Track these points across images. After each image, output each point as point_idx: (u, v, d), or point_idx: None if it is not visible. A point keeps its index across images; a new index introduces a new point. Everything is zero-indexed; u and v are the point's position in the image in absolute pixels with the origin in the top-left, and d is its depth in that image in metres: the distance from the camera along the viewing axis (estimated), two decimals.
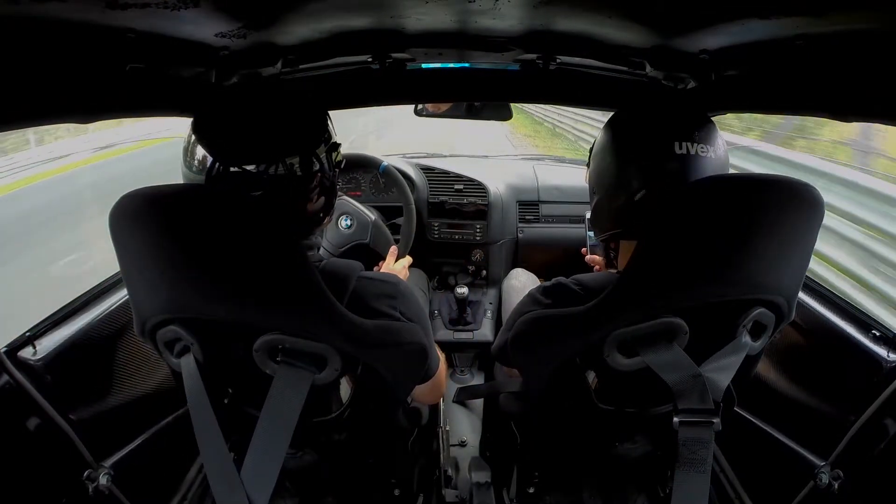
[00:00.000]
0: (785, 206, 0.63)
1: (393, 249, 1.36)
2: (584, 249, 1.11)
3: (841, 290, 2.99)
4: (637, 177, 0.72)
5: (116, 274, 1.06)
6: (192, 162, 0.68)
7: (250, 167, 0.66)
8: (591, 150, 0.82)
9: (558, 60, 0.92)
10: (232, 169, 0.66)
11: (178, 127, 0.79)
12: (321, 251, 1.42)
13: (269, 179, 0.67)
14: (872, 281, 3.02)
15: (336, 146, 0.76)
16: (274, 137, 0.68)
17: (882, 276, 2.99)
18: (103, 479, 0.91)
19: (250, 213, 0.60)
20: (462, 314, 1.65)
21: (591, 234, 1.02)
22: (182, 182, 0.71)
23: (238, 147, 0.67)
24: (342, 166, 0.79)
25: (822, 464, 0.93)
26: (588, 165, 0.83)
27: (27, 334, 0.88)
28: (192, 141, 0.68)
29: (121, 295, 1.05)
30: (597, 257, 1.06)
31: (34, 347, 0.86)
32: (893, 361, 0.85)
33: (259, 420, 0.63)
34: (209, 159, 0.66)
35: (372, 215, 1.54)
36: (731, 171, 0.74)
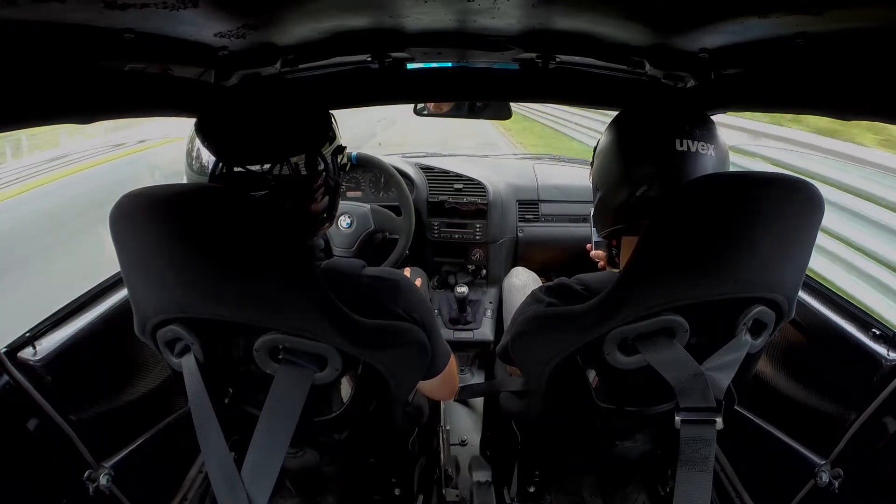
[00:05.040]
0: (784, 203, 0.63)
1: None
2: (588, 245, 1.12)
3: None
4: (638, 173, 0.73)
5: (116, 274, 1.06)
6: (195, 163, 0.68)
7: (254, 167, 0.66)
8: (595, 149, 0.83)
9: (557, 59, 0.92)
10: (236, 169, 0.66)
11: None
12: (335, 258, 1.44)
13: (274, 179, 0.67)
14: None
15: (342, 149, 0.76)
16: (279, 137, 0.68)
17: None
18: (104, 480, 0.91)
19: (251, 212, 0.60)
20: (462, 313, 1.65)
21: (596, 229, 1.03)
22: (184, 182, 0.71)
23: (243, 148, 0.67)
24: (347, 169, 0.79)
25: (822, 462, 0.93)
26: (592, 164, 0.84)
27: (27, 335, 0.88)
28: (194, 141, 0.68)
29: (121, 295, 1.05)
30: (601, 252, 1.06)
31: (34, 348, 0.86)
32: (893, 360, 0.85)
33: (259, 419, 0.63)
34: (212, 160, 0.66)
35: (366, 204, 1.63)
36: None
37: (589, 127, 8.25)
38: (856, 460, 0.89)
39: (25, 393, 0.82)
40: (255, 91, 0.75)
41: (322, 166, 0.71)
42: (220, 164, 0.66)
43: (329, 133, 0.73)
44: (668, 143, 0.71)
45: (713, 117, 0.82)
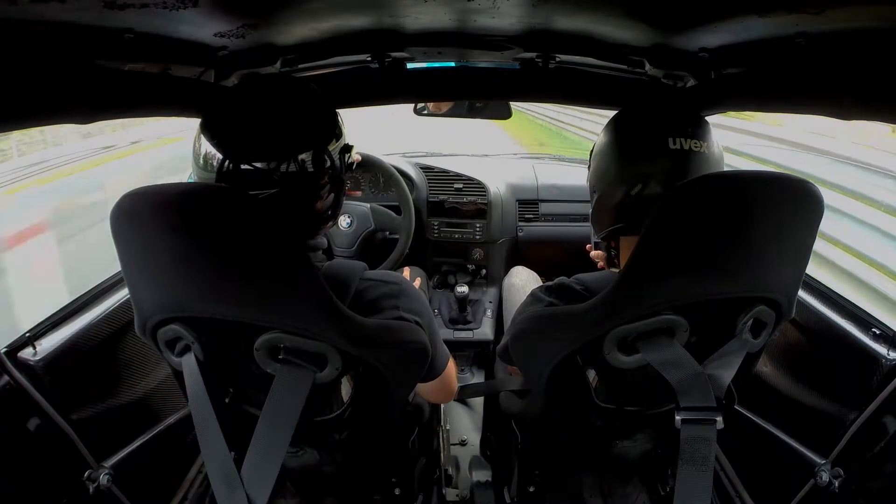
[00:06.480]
0: (783, 203, 0.63)
1: None
2: (588, 245, 1.12)
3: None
4: (633, 172, 0.73)
5: (117, 274, 1.06)
6: (203, 160, 0.68)
7: (261, 164, 0.66)
8: (592, 151, 0.83)
9: (557, 59, 0.92)
10: (243, 166, 0.66)
11: None
12: (336, 258, 1.44)
13: (281, 177, 0.67)
14: None
15: (349, 147, 0.76)
16: (286, 134, 0.68)
17: None
18: (104, 480, 0.91)
19: (251, 211, 0.60)
20: (462, 313, 1.65)
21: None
22: (191, 180, 0.71)
23: (249, 145, 0.67)
24: (353, 168, 0.79)
25: (823, 462, 0.93)
26: (589, 167, 0.84)
27: (27, 335, 0.88)
28: (201, 139, 0.68)
29: (121, 295, 1.05)
30: (601, 252, 1.07)
31: (34, 348, 0.86)
32: (893, 360, 0.85)
33: (260, 419, 0.63)
34: (219, 157, 0.66)
35: (366, 203, 1.63)
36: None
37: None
38: (856, 460, 0.89)
39: (25, 393, 0.83)
40: (261, 88, 0.75)
41: (329, 163, 0.71)
42: (228, 162, 0.66)
43: (336, 130, 0.73)
44: (661, 141, 0.71)
45: (712, 117, 0.82)
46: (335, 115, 0.75)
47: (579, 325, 0.68)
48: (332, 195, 0.74)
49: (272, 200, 0.67)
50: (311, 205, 0.72)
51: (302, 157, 0.68)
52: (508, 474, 1.16)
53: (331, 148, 0.71)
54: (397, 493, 1.05)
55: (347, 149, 0.76)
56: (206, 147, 0.67)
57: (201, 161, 0.68)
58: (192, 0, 0.52)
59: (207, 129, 0.68)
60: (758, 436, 1.08)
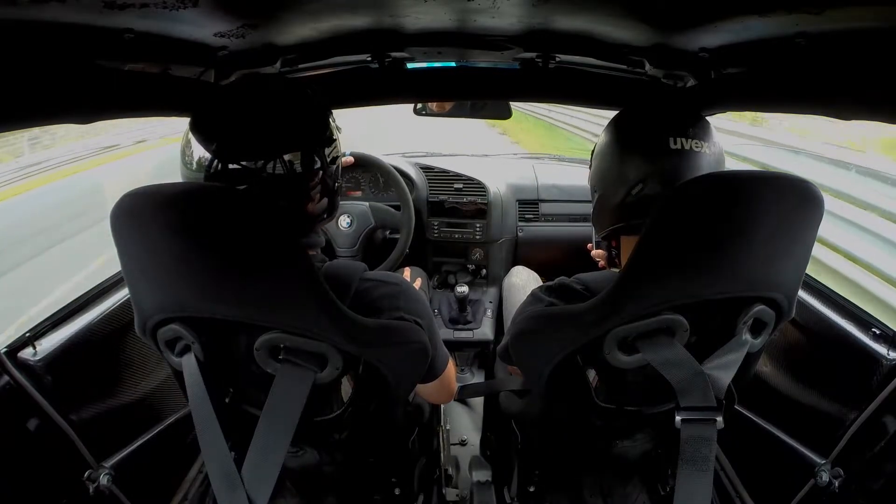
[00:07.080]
0: (783, 202, 0.63)
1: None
2: (589, 245, 1.12)
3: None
4: (634, 171, 0.73)
5: (117, 274, 1.06)
6: (191, 160, 0.68)
7: (249, 164, 0.66)
8: (593, 151, 0.83)
9: (557, 59, 0.92)
10: (231, 166, 0.66)
11: None
12: (338, 258, 1.44)
13: (269, 177, 0.66)
14: None
15: (333, 139, 0.75)
16: (271, 133, 0.68)
17: None
18: (104, 480, 0.91)
19: (251, 211, 0.60)
20: (462, 313, 1.65)
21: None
22: (181, 180, 0.70)
23: (235, 144, 0.67)
24: (340, 160, 0.79)
25: (823, 462, 0.93)
26: (590, 167, 0.84)
27: (27, 335, 0.88)
28: (189, 138, 0.68)
29: (121, 295, 1.05)
30: (602, 252, 1.07)
31: (34, 348, 0.86)
32: (893, 360, 0.85)
33: (260, 419, 0.63)
34: (208, 156, 0.66)
35: (364, 202, 1.64)
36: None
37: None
38: (856, 460, 0.90)
39: (25, 393, 0.83)
40: (250, 88, 0.75)
41: (318, 165, 0.71)
42: (215, 161, 0.66)
43: (326, 133, 0.73)
44: (661, 141, 0.71)
45: (712, 117, 0.82)
46: (326, 118, 0.74)
47: (579, 324, 0.68)
48: (325, 199, 0.74)
49: (265, 199, 0.66)
50: (302, 206, 0.72)
51: (289, 157, 0.67)
52: (508, 474, 1.16)
53: (320, 151, 0.71)
54: (397, 493, 1.05)
55: (334, 140, 0.75)
56: (194, 146, 0.67)
57: (193, 165, 0.68)
58: (192, 0, 0.52)
59: (195, 128, 0.68)
60: (758, 436, 1.08)
